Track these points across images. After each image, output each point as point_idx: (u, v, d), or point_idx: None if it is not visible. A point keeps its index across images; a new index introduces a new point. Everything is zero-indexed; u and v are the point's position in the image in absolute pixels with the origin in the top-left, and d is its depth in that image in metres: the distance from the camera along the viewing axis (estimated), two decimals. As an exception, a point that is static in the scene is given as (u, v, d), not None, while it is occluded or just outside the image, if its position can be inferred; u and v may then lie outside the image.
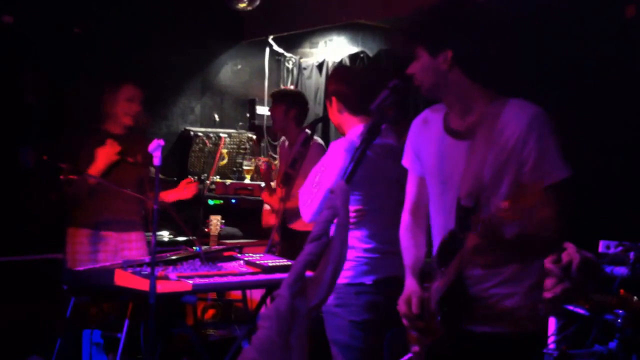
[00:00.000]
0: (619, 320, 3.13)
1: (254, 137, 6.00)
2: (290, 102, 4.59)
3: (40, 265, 4.02)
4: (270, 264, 3.16)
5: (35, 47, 4.75)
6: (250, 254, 3.43)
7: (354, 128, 3.06)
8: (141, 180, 4.07)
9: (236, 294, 4.97)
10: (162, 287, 2.79)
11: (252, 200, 5.41)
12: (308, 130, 3.65)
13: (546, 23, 4.08)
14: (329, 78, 3.26)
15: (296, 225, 4.20)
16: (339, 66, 5.48)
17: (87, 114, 4.01)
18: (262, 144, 6.18)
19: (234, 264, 3.25)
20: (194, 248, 3.36)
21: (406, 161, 2.42)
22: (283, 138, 4.95)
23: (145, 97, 4.11)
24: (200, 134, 5.68)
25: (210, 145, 5.70)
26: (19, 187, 4.45)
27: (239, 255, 3.41)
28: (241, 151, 5.88)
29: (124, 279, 2.88)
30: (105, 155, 3.83)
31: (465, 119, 2.15)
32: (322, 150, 4.09)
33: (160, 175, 2.97)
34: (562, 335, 3.45)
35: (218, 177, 5.71)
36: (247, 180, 5.66)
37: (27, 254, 4.36)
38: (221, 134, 5.77)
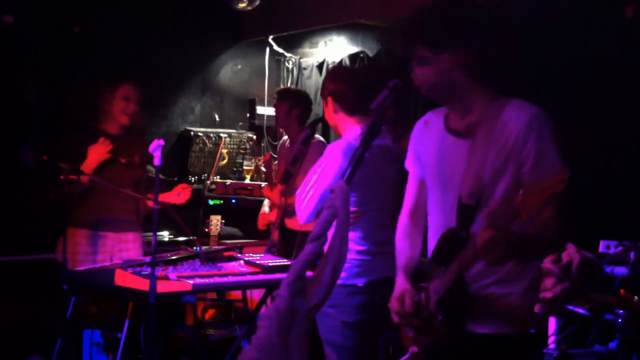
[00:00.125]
0: (619, 320, 3.13)
1: (254, 137, 6.00)
2: (294, 101, 4.61)
3: (40, 265, 4.02)
4: (270, 264, 3.16)
5: (35, 47, 4.75)
6: (250, 254, 3.43)
7: (350, 129, 3.06)
8: (138, 181, 4.07)
9: (236, 294, 4.97)
10: (162, 287, 2.79)
11: (252, 200, 5.41)
12: (308, 130, 3.65)
13: (546, 23, 4.08)
14: (325, 78, 3.26)
15: (293, 223, 4.20)
16: (335, 66, 5.49)
17: (85, 113, 4.00)
18: (262, 144, 6.19)
19: (234, 264, 3.24)
20: (194, 248, 3.36)
21: (408, 163, 2.42)
22: (283, 138, 4.95)
23: (145, 97, 4.11)
24: (200, 134, 5.68)
25: (210, 145, 5.70)
26: (19, 187, 4.45)
27: (239, 255, 3.41)
28: (241, 151, 5.88)
29: (124, 279, 2.88)
30: (97, 153, 3.83)
31: (466, 119, 2.15)
32: (323, 148, 4.09)
33: (160, 176, 2.97)
34: (562, 335, 3.44)
35: (218, 177, 5.71)
36: (247, 180, 5.66)
37: (27, 254, 4.36)
38: (221, 134, 5.77)
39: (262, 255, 3.42)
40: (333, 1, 5.31)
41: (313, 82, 5.99)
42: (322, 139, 4.57)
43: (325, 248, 1.78)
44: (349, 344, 2.96)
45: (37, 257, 4.14)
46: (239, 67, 6.19)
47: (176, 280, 2.86)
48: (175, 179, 5.56)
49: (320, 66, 5.95)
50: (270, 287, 3.24)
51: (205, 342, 4.37)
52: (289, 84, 6.12)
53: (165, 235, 5.27)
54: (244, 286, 3.81)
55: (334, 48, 5.94)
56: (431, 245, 2.29)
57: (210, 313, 4.96)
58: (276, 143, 6.04)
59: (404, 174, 2.47)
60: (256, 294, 4.67)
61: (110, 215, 3.97)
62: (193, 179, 5.66)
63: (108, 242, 3.96)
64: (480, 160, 2.07)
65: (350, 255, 2.95)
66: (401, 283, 2.31)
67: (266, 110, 6.13)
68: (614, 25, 3.84)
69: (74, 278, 3.21)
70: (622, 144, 3.74)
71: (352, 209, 2.92)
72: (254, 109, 6.15)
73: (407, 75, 2.15)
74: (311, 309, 1.73)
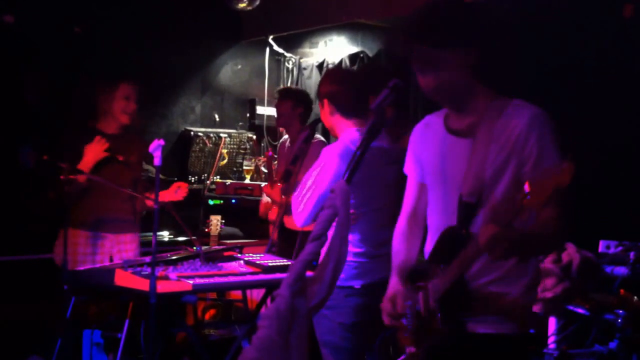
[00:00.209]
0: (619, 320, 3.14)
1: (254, 137, 6.01)
2: (297, 100, 4.62)
3: (40, 265, 4.02)
4: (270, 264, 3.16)
5: (35, 47, 4.75)
6: (250, 254, 3.43)
7: (346, 131, 3.06)
8: (136, 180, 4.08)
9: (236, 294, 4.97)
10: (162, 287, 2.79)
11: (252, 200, 5.41)
12: (309, 130, 3.64)
13: (546, 23, 4.08)
14: (321, 80, 3.26)
15: (292, 223, 4.20)
16: (331, 68, 5.49)
17: (85, 113, 4.01)
18: (262, 144, 6.19)
19: (234, 264, 3.24)
20: (194, 248, 3.36)
21: (407, 167, 2.42)
22: (283, 138, 4.95)
23: (145, 97, 4.11)
24: (200, 134, 5.68)
25: (210, 145, 5.71)
26: (19, 187, 4.45)
27: (239, 255, 3.41)
28: (241, 151, 5.88)
29: (124, 279, 2.88)
30: (93, 152, 3.83)
31: (467, 119, 2.16)
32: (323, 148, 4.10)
33: (161, 176, 2.97)
34: (562, 335, 3.45)
35: (218, 177, 5.71)
36: (247, 180, 5.66)
37: (27, 254, 4.36)
38: (221, 134, 5.77)
39: (262, 255, 3.41)
40: (333, 1, 5.31)
41: (313, 82, 5.99)
42: (322, 138, 4.57)
43: (326, 248, 1.79)
44: (346, 345, 2.96)
45: (37, 257, 4.14)
46: (239, 67, 6.19)
47: (176, 280, 2.85)
48: (175, 179, 5.56)
49: (320, 66, 5.95)
50: (271, 287, 3.23)
51: (205, 342, 4.36)
52: (289, 84, 6.12)
53: (165, 235, 5.27)
54: (244, 286, 3.80)
55: (334, 48, 5.94)
56: (430, 245, 2.29)
57: (210, 313, 4.96)
58: (276, 143, 6.04)
59: (402, 175, 2.47)
60: (256, 294, 4.67)
61: (110, 215, 3.98)
62: (193, 179, 5.66)
63: (107, 242, 3.96)
64: (481, 159, 2.07)
65: (348, 257, 2.94)
66: (394, 284, 2.31)
67: (266, 110, 6.13)
68: (614, 25, 3.85)
69: (74, 278, 3.21)
70: (622, 143, 3.74)
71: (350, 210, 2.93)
72: (254, 109, 6.16)
73: (407, 75, 2.15)
74: (311, 309, 1.73)
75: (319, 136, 4.54)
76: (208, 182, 5.62)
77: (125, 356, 3.53)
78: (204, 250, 3.29)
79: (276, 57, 6.31)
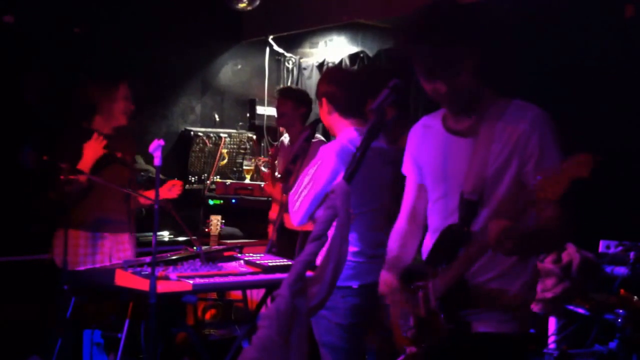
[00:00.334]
0: (619, 320, 3.14)
1: (254, 137, 6.01)
2: (299, 100, 4.62)
3: (40, 265, 4.02)
4: (270, 264, 3.16)
5: (35, 47, 4.75)
6: (251, 254, 3.43)
7: (344, 131, 3.06)
8: (130, 180, 4.10)
9: (236, 294, 4.97)
10: (162, 287, 2.78)
11: (252, 200, 5.41)
12: (309, 129, 3.64)
13: (546, 23, 4.08)
14: (320, 79, 3.26)
15: (289, 221, 4.20)
16: (329, 68, 5.49)
17: (84, 113, 4.01)
18: (262, 144, 6.19)
19: (234, 264, 3.24)
20: (194, 248, 3.36)
21: (405, 169, 2.42)
22: (282, 138, 4.95)
23: (145, 97, 4.12)
24: (200, 134, 5.68)
25: (210, 145, 5.71)
26: (19, 187, 4.45)
27: (239, 255, 3.40)
28: (241, 151, 5.88)
29: (125, 279, 2.88)
30: (92, 149, 3.83)
31: (468, 118, 2.16)
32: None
33: (161, 176, 2.97)
34: (562, 335, 3.45)
35: (218, 177, 5.71)
36: (247, 180, 5.66)
37: (27, 254, 4.36)
38: (221, 134, 5.77)
39: (262, 255, 3.41)
40: (333, 1, 5.31)
41: (313, 82, 5.99)
42: (322, 138, 4.57)
43: (326, 248, 1.79)
44: (344, 345, 2.97)
45: (37, 257, 4.14)
46: (239, 67, 6.19)
47: (176, 280, 2.85)
48: (175, 179, 5.56)
49: (320, 66, 5.95)
50: (271, 287, 3.23)
51: (205, 342, 4.37)
52: (289, 84, 6.12)
53: (165, 235, 5.27)
54: (244, 286, 3.81)
55: (334, 48, 5.94)
56: (428, 244, 2.29)
57: (210, 313, 4.96)
58: (276, 143, 6.04)
59: (399, 175, 2.47)
60: (256, 294, 4.67)
61: (110, 216, 3.98)
62: (193, 179, 5.66)
63: (107, 242, 3.96)
64: (483, 158, 2.08)
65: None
66: (386, 278, 2.33)
67: (266, 110, 6.13)
68: (614, 25, 3.85)
69: (74, 278, 3.21)
70: (622, 144, 3.74)
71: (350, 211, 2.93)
72: (254, 109, 6.15)
73: (407, 75, 2.15)
74: (312, 309, 1.73)
75: (319, 136, 4.54)
76: (208, 182, 5.63)
77: (125, 356, 3.53)
78: (204, 250, 3.29)
79: (276, 57, 6.31)
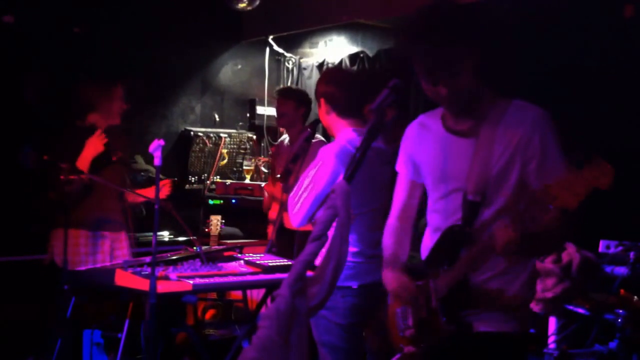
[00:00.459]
0: (619, 320, 3.14)
1: (254, 137, 6.00)
2: (300, 100, 4.62)
3: (40, 265, 4.02)
4: (270, 264, 3.16)
5: (35, 47, 4.75)
6: (251, 254, 3.42)
7: (342, 131, 3.06)
8: (125, 179, 4.11)
9: (236, 294, 4.97)
10: (162, 287, 2.78)
11: (252, 200, 5.41)
12: (309, 129, 3.64)
13: (546, 23, 4.08)
14: (319, 79, 3.27)
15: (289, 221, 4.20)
16: (328, 68, 5.49)
17: (82, 113, 4.01)
18: (262, 144, 6.19)
19: (234, 264, 3.24)
20: (194, 248, 3.36)
21: (399, 165, 2.42)
22: (281, 138, 4.95)
23: (145, 97, 4.12)
24: (200, 134, 5.68)
25: (210, 145, 5.70)
26: (19, 187, 4.45)
27: (239, 255, 3.40)
28: (241, 151, 5.88)
29: (125, 279, 2.88)
30: (93, 146, 3.84)
31: (468, 118, 2.16)
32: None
33: (161, 175, 2.97)
34: (562, 335, 3.45)
35: (218, 177, 5.71)
36: (247, 180, 5.66)
37: (27, 254, 4.36)
38: (221, 134, 5.77)
39: (262, 255, 3.41)
40: (333, 1, 5.31)
41: (313, 82, 5.98)
42: (322, 138, 4.56)
43: (326, 248, 1.78)
44: (343, 345, 2.97)
45: (37, 257, 4.14)
46: (239, 67, 6.19)
47: (176, 280, 2.85)
48: (175, 179, 5.56)
49: (320, 66, 5.95)
50: (271, 287, 3.23)
51: (205, 342, 4.37)
52: (289, 84, 6.12)
53: (165, 235, 5.27)
54: (244, 286, 3.80)
55: (334, 48, 5.94)
56: (428, 244, 2.29)
57: (210, 313, 4.96)
58: (276, 143, 6.04)
59: (397, 175, 2.47)
60: (257, 294, 4.67)
61: (110, 215, 4.00)
62: (193, 179, 5.66)
63: (107, 242, 3.97)
64: (485, 158, 2.08)
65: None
66: (394, 275, 2.31)
67: (266, 110, 6.13)
68: (614, 25, 3.85)
69: (74, 278, 3.21)
70: (622, 143, 3.74)
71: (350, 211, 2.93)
72: (254, 109, 6.15)
73: (407, 75, 2.15)
74: (312, 309, 1.73)
75: (319, 136, 4.54)
76: (208, 182, 5.63)
77: (125, 356, 3.53)
78: (204, 250, 3.29)
79: (276, 57, 6.31)
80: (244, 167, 5.74)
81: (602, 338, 3.26)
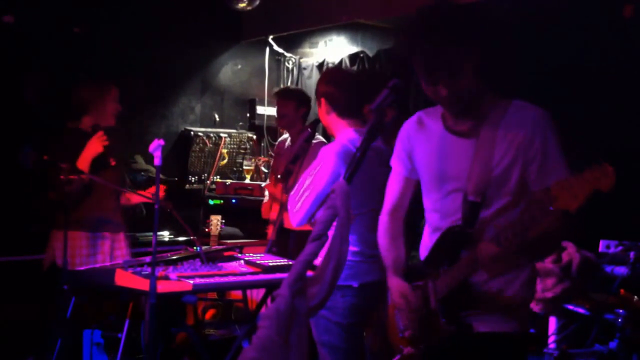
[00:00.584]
0: (619, 320, 3.14)
1: (254, 137, 6.00)
2: (300, 100, 4.62)
3: (40, 265, 4.02)
4: (270, 264, 3.16)
5: (35, 47, 4.75)
6: (251, 254, 3.42)
7: (342, 131, 3.06)
8: (123, 179, 4.12)
9: (236, 294, 4.97)
10: (162, 287, 2.78)
11: (252, 200, 5.41)
12: (310, 129, 3.64)
13: (546, 23, 4.08)
14: (319, 79, 3.27)
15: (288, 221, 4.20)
16: (329, 68, 5.49)
17: (78, 113, 4.01)
18: (262, 144, 6.19)
19: (234, 263, 3.24)
20: (194, 248, 3.36)
21: (394, 161, 2.41)
22: (281, 137, 4.94)
23: (145, 97, 4.12)
24: (200, 134, 5.68)
25: (210, 145, 5.70)
26: (19, 187, 4.45)
27: (239, 255, 3.40)
28: (241, 151, 5.88)
29: (125, 279, 2.87)
30: (94, 146, 3.83)
31: (468, 118, 2.15)
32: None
33: (161, 175, 2.97)
34: (562, 334, 3.45)
35: (218, 177, 5.71)
36: (247, 180, 5.66)
37: (27, 254, 4.36)
38: (221, 134, 5.77)
39: (262, 255, 3.41)
40: (333, 1, 5.31)
41: (313, 82, 5.99)
42: (323, 139, 4.56)
43: (326, 249, 1.78)
44: (344, 345, 2.97)
45: (37, 257, 4.14)
46: (239, 67, 6.19)
47: (176, 280, 2.85)
48: (175, 178, 5.57)
49: (320, 66, 5.95)
50: (271, 287, 3.23)
51: (205, 342, 4.37)
52: (289, 84, 6.12)
53: (165, 235, 5.27)
54: (244, 286, 3.80)
55: (334, 48, 5.94)
56: (425, 242, 2.29)
57: (210, 313, 4.96)
58: (277, 143, 6.03)
59: None
60: (256, 294, 4.67)
61: (110, 216, 4.00)
62: (193, 179, 5.66)
63: (107, 242, 3.97)
64: (486, 159, 2.08)
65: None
66: (397, 283, 2.30)
67: (266, 110, 6.13)
68: (614, 25, 3.85)
69: (74, 278, 3.21)
70: (622, 144, 3.74)
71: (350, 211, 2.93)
72: (254, 109, 6.15)
73: (407, 75, 2.15)
74: (312, 309, 1.73)
75: (319, 137, 4.54)
76: (208, 182, 5.62)
77: (125, 356, 3.53)
78: (204, 250, 3.29)
79: (276, 57, 6.31)
80: (244, 167, 5.74)
81: (602, 338, 3.26)
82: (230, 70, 6.14)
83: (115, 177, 3.99)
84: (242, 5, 5.49)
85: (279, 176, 4.58)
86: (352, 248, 2.96)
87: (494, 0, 3.72)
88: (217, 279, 2.98)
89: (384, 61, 5.35)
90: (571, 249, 3.38)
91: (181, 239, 5.17)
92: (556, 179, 1.85)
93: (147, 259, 3.06)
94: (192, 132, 5.65)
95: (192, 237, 3.48)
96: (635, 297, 3.19)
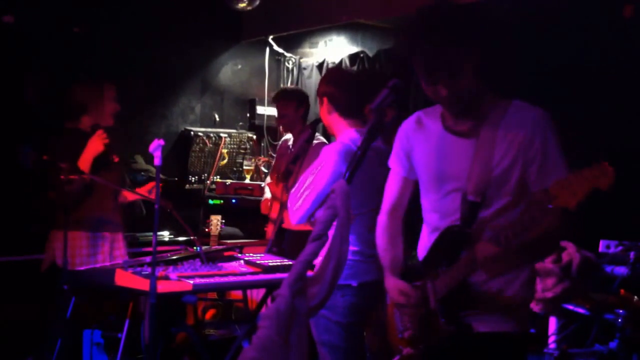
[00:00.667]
0: (619, 320, 3.14)
1: (254, 137, 6.00)
2: (300, 100, 4.62)
3: (40, 265, 4.02)
4: (270, 264, 3.16)
5: (35, 47, 4.75)
6: (251, 254, 3.42)
7: (344, 132, 3.06)
8: (123, 179, 4.13)
9: (237, 294, 4.97)
10: (162, 287, 2.78)
11: (252, 200, 5.41)
12: (310, 130, 3.65)
13: (546, 23, 4.08)
14: (322, 78, 3.27)
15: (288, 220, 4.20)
16: (332, 68, 5.49)
17: (75, 113, 4.01)
18: (262, 144, 6.19)
19: (234, 263, 3.24)
20: (194, 248, 3.36)
21: (392, 161, 2.41)
22: (284, 138, 4.94)
23: (145, 97, 4.11)
24: (200, 134, 5.68)
25: (210, 145, 5.70)
26: (19, 187, 4.45)
27: (239, 255, 3.40)
28: (241, 151, 5.88)
29: (125, 279, 2.87)
30: (94, 145, 3.83)
31: (468, 119, 2.15)
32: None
33: (161, 175, 2.97)
34: (562, 334, 3.45)
35: (218, 177, 5.71)
36: (247, 180, 5.66)
37: (27, 254, 4.36)
38: (221, 134, 5.77)
39: (262, 255, 3.41)
40: (333, 1, 5.31)
41: (313, 82, 5.99)
42: (324, 140, 4.56)
43: (326, 248, 1.78)
44: (343, 344, 2.97)
45: (37, 257, 4.14)
46: (239, 67, 6.19)
47: (176, 280, 2.85)
48: (175, 178, 5.57)
49: (320, 66, 5.95)
50: (271, 287, 3.23)
51: (205, 342, 4.36)
52: (289, 84, 6.12)
53: (165, 235, 5.27)
54: (244, 286, 3.80)
55: (334, 48, 5.94)
56: (423, 242, 2.29)
57: (210, 313, 4.95)
58: (276, 143, 6.03)
59: None
60: (256, 294, 4.67)
61: (109, 216, 4.00)
62: (193, 179, 5.66)
63: (107, 242, 3.97)
64: (486, 159, 2.08)
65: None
66: (395, 282, 2.30)
67: (266, 110, 6.13)
68: (614, 25, 3.85)
69: (74, 278, 3.21)
70: (622, 144, 3.74)
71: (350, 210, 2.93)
72: (254, 109, 6.16)
73: (407, 75, 2.15)
74: (312, 309, 1.73)
75: (321, 137, 4.53)
76: (208, 182, 5.62)
77: (125, 356, 3.53)
78: (204, 250, 3.29)
79: (276, 57, 6.31)
80: (244, 167, 5.74)
81: (602, 338, 3.26)
82: (230, 70, 6.14)
83: (115, 177, 3.99)
84: (242, 5, 5.49)
85: (272, 176, 4.59)
86: (352, 247, 2.96)
87: (494, 0, 3.72)
88: (217, 279, 2.98)
89: (384, 61, 5.34)
90: (571, 249, 3.38)
91: (181, 239, 5.17)
92: (556, 179, 1.85)
93: (147, 259, 3.06)
94: (192, 132, 5.65)
95: (192, 237, 3.48)
96: (635, 297, 3.19)
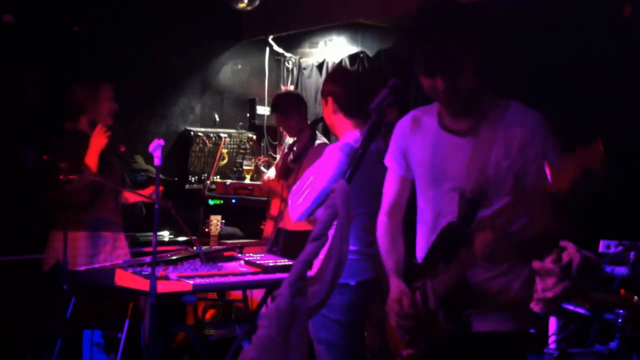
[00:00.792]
0: (619, 320, 3.14)
1: (254, 137, 6.01)
2: (301, 104, 4.63)
3: (40, 265, 4.02)
4: (270, 264, 3.16)
5: (35, 47, 4.75)
6: (251, 254, 3.43)
7: (348, 132, 3.07)
8: (123, 179, 4.13)
9: (237, 294, 4.97)
10: (162, 287, 2.78)
11: (252, 200, 5.41)
12: (310, 130, 3.65)
13: (546, 23, 4.08)
14: (326, 78, 3.27)
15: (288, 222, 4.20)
16: (338, 67, 5.48)
17: (73, 114, 4.01)
18: (262, 144, 6.19)
19: (234, 263, 3.24)
20: (194, 248, 3.36)
21: (389, 160, 2.41)
22: (288, 140, 4.94)
23: (145, 97, 4.11)
24: (200, 134, 5.68)
25: (210, 145, 5.71)
26: (19, 187, 4.45)
27: (239, 255, 3.41)
28: (241, 151, 5.89)
29: (125, 279, 2.88)
30: (98, 140, 3.83)
31: (466, 117, 2.15)
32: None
33: (161, 175, 2.97)
34: (562, 334, 3.45)
35: (218, 177, 5.71)
36: (247, 180, 5.66)
37: (27, 254, 4.36)
38: (221, 134, 5.77)
39: (262, 255, 3.41)
40: (333, 1, 5.31)
41: (313, 82, 5.99)
42: (325, 140, 4.56)
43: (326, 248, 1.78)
44: (341, 342, 2.97)
45: (37, 257, 4.14)
46: (239, 67, 6.19)
47: (176, 280, 2.85)
48: (175, 178, 5.57)
49: (320, 66, 5.95)
50: (271, 287, 3.23)
51: (205, 342, 4.37)
52: (289, 84, 6.12)
53: (165, 235, 5.27)
54: (244, 286, 3.80)
55: (334, 48, 5.94)
56: (421, 243, 2.29)
57: (210, 313, 4.96)
58: (276, 143, 6.04)
59: None
60: (257, 294, 4.67)
61: (110, 216, 4.00)
62: (193, 179, 5.67)
63: (108, 242, 3.97)
64: (484, 158, 2.08)
65: None
66: (397, 285, 2.29)
67: (266, 110, 6.13)
68: (614, 25, 3.85)
69: (74, 278, 3.21)
70: (622, 144, 3.74)
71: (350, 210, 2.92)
72: (254, 109, 6.16)
73: (408, 75, 2.15)
74: (312, 309, 1.73)
75: (322, 138, 4.53)
76: (208, 182, 5.63)
77: (125, 356, 3.53)
78: (204, 250, 3.29)
79: (276, 57, 6.31)
80: (244, 167, 5.74)
81: (602, 338, 3.26)
82: (230, 70, 6.14)
83: (115, 177, 4.00)
84: (242, 5, 5.49)
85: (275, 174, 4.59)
86: (350, 247, 2.96)
87: (494, 0, 3.72)
88: (217, 279, 2.98)
89: (384, 61, 5.34)
90: (571, 249, 3.36)
91: (181, 239, 5.17)
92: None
93: (147, 259, 3.06)
94: (192, 132, 5.65)
95: (191, 237, 3.49)
96: (635, 297, 3.18)
